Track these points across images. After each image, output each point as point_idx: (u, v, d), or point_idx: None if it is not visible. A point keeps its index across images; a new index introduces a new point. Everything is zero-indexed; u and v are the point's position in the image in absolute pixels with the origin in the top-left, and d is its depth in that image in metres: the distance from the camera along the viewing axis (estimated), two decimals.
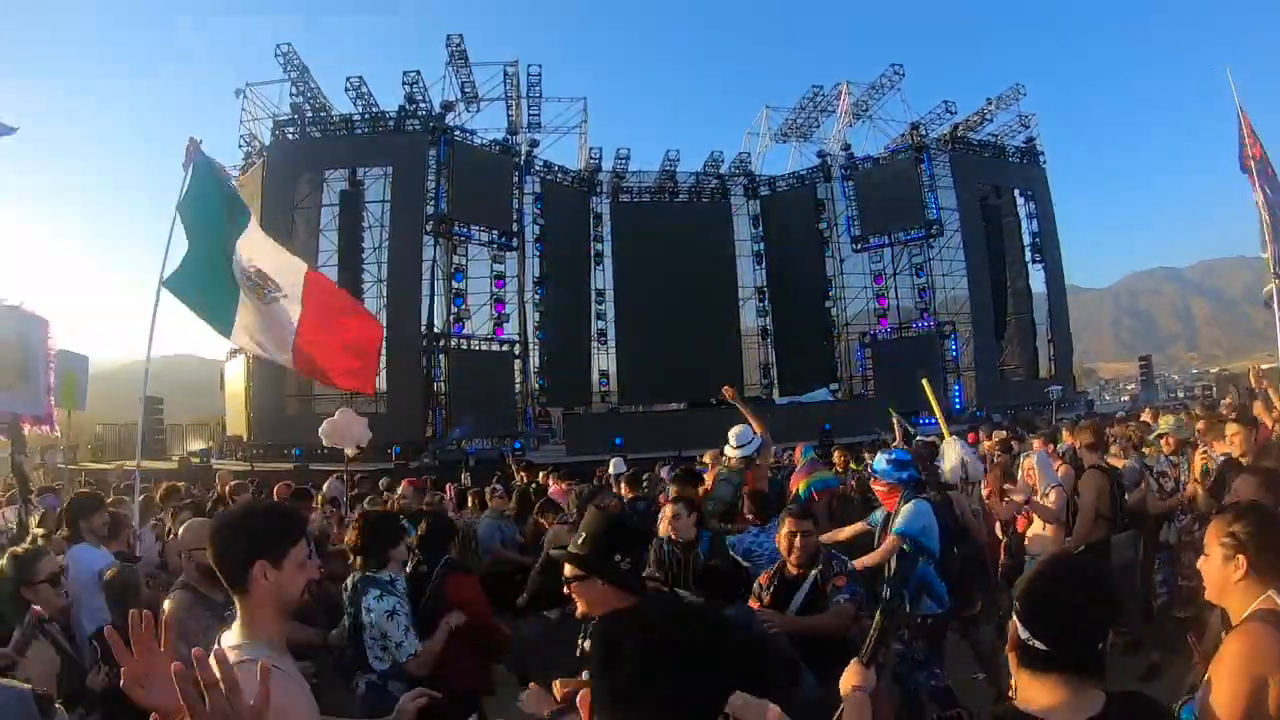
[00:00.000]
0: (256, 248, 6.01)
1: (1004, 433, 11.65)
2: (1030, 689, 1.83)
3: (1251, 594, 2.31)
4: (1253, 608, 2.29)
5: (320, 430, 9.55)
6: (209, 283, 5.77)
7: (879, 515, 5.38)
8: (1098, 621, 1.82)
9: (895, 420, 10.57)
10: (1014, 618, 1.86)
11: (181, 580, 3.69)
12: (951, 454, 6.77)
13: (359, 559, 3.99)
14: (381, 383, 29.00)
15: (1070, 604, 1.81)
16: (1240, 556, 2.32)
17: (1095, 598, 1.84)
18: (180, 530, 4.46)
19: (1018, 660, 1.86)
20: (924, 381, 10.37)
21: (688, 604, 3.46)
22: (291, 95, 29.94)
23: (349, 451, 9.53)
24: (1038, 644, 1.80)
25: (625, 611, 1.49)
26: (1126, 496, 6.28)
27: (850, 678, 2.32)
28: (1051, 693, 1.79)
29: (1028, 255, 36.45)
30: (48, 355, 6.36)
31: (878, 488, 5.36)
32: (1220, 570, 2.39)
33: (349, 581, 4.03)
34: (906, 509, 4.98)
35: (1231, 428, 5.59)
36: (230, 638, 2.09)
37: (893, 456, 5.40)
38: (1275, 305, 7.38)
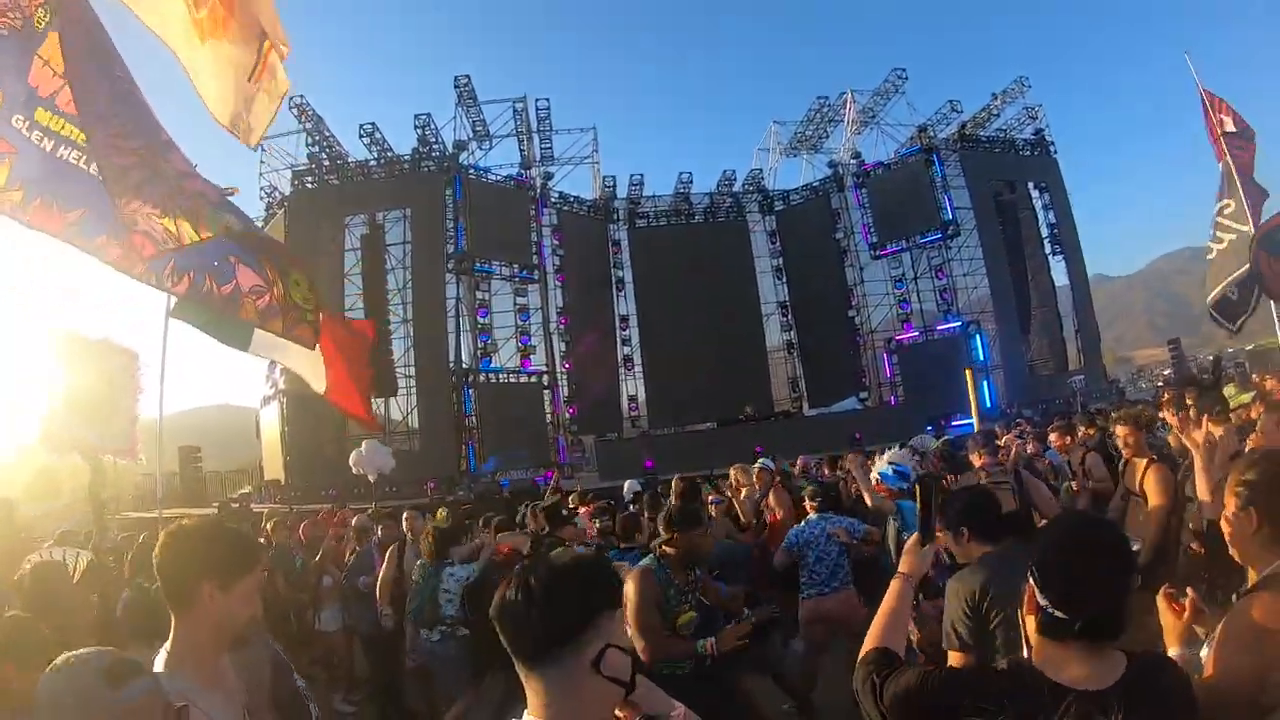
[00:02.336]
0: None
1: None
2: (1049, 654, 1.79)
3: (1272, 552, 2.12)
4: (1270, 569, 2.11)
5: (350, 458, 9.90)
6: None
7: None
8: (1115, 586, 1.77)
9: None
10: (1030, 582, 1.82)
11: None
12: (880, 464, 6.74)
13: None
14: (414, 420, 29.49)
15: (1086, 569, 1.76)
16: (1253, 508, 2.15)
17: (1111, 561, 1.79)
18: None
19: (1037, 625, 1.81)
20: (967, 371, 10.64)
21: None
22: (308, 145, 30.73)
23: (372, 478, 9.86)
24: (1056, 612, 1.75)
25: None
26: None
27: (907, 559, 2.34)
28: (1072, 659, 1.75)
29: (1047, 248, 36.07)
30: (136, 388, 6.48)
31: (880, 490, 5.80)
32: (1236, 523, 2.22)
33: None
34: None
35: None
36: (156, 664, 1.98)
37: (897, 466, 5.78)
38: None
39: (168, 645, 2.01)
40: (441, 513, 11.50)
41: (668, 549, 4.08)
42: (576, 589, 1.49)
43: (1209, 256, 8.29)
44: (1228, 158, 7.86)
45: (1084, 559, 1.78)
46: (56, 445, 5.69)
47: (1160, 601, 2.27)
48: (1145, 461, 5.67)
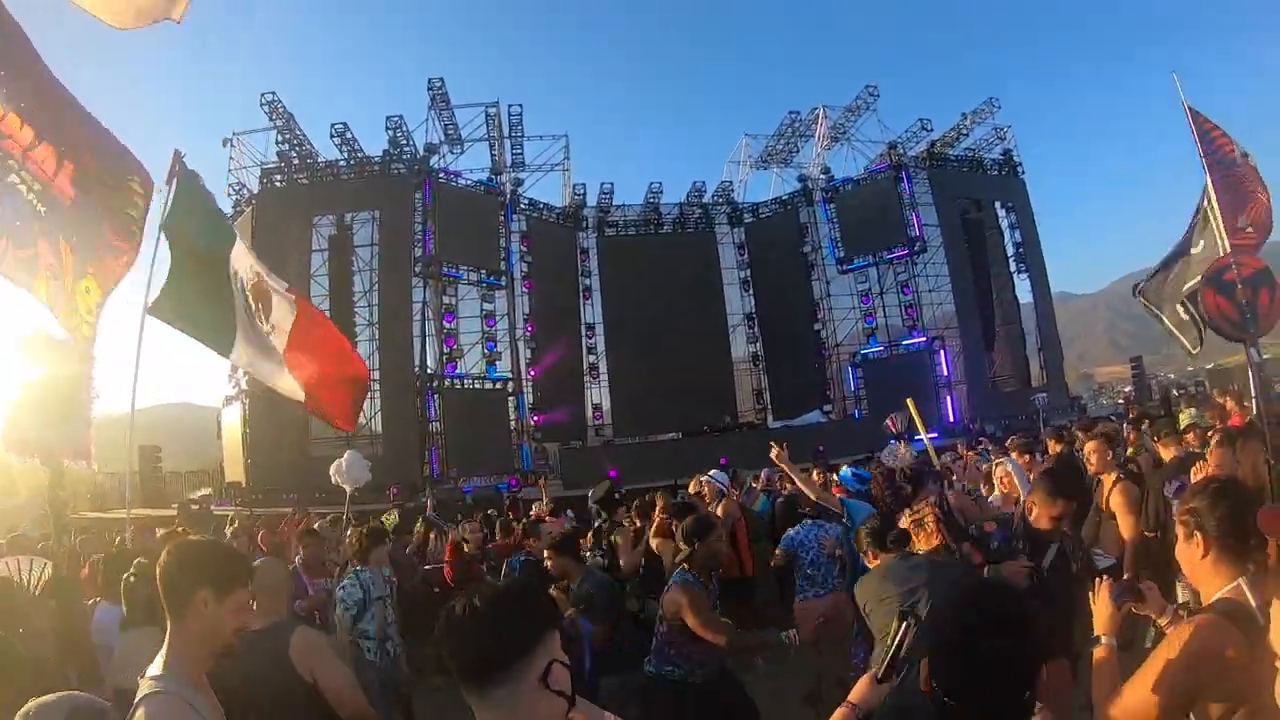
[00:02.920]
0: (248, 269, 5.94)
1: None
2: None
3: (1220, 578, 2.15)
4: (1219, 594, 2.13)
5: (332, 469, 9.86)
6: (201, 301, 5.50)
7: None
8: (1011, 678, 1.61)
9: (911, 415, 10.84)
10: (922, 665, 1.70)
11: None
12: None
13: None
14: (378, 425, 29.23)
15: (978, 663, 1.60)
16: (1199, 534, 2.18)
17: (1011, 648, 1.61)
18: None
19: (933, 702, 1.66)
20: (909, 401, 10.71)
21: None
22: (278, 143, 30.30)
23: (349, 489, 9.82)
24: (947, 700, 1.61)
25: None
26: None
27: (860, 690, 2.21)
28: None
29: (1012, 266, 36.59)
30: (91, 390, 6.43)
31: (837, 491, 6.19)
32: (1184, 549, 2.25)
33: None
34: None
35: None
36: (151, 668, 2.16)
37: (857, 470, 6.26)
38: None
39: (163, 652, 2.17)
40: (390, 517, 11.45)
41: (686, 561, 4.28)
42: (525, 609, 1.58)
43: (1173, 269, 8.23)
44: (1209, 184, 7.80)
45: (978, 648, 1.61)
46: (19, 448, 5.56)
47: (1101, 591, 2.31)
48: (1112, 478, 5.82)
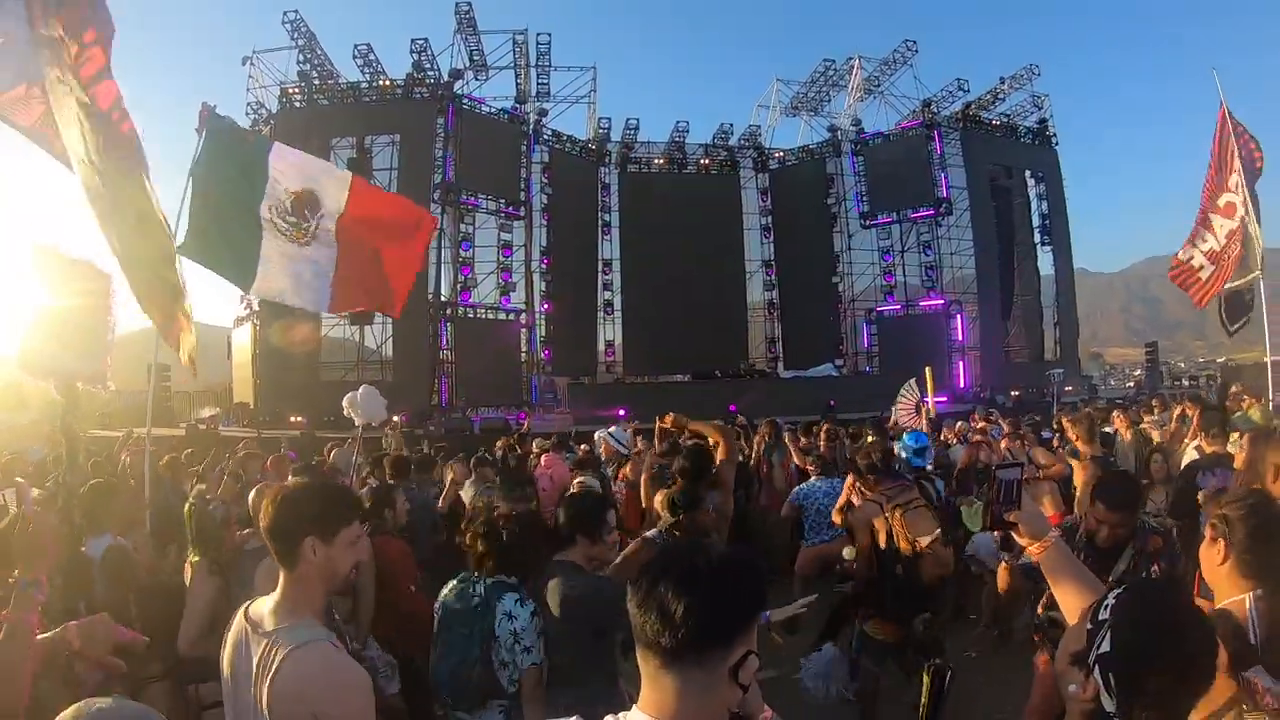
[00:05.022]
0: (291, 171, 5.93)
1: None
2: None
3: (1234, 587, 2.15)
4: (1223, 603, 2.15)
5: (345, 400, 9.60)
6: (226, 238, 5.74)
7: None
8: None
9: (927, 384, 10.87)
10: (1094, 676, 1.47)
11: None
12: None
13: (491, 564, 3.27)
14: (388, 350, 29.16)
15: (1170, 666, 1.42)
16: (1222, 541, 2.18)
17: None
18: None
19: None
20: (927, 369, 10.76)
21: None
22: (299, 63, 29.84)
23: (359, 424, 9.56)
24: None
25: None
26: None
27: None
28: None
29: (1037, 237, 36.23)
30: (110, 313, 6.32)
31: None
32: (1206, 551, 2.26)
33: (467, 589, 3.26)
34: None
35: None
36: (278, 617, 2.11)
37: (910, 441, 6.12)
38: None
39: (276, 597, 2.16)
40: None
41: (675, 532, 4.03)
42: (748, 588, 1.38)
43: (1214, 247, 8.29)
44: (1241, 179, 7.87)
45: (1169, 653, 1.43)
46: (34, 370, 5.43)
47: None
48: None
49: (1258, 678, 1.86)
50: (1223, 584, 2.18)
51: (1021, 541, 2.27)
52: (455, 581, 3.36)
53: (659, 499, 4.43)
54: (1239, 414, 7.87)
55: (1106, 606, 1.48)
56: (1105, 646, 1.38)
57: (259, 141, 6.01)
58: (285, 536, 2.15)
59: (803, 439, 9.92)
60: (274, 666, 2.00)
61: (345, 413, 9.45)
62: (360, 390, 9.48)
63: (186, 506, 5.10)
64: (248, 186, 5.81)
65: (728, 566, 1.36)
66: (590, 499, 3.71)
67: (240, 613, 2.23)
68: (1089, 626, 1.48)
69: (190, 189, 5.53)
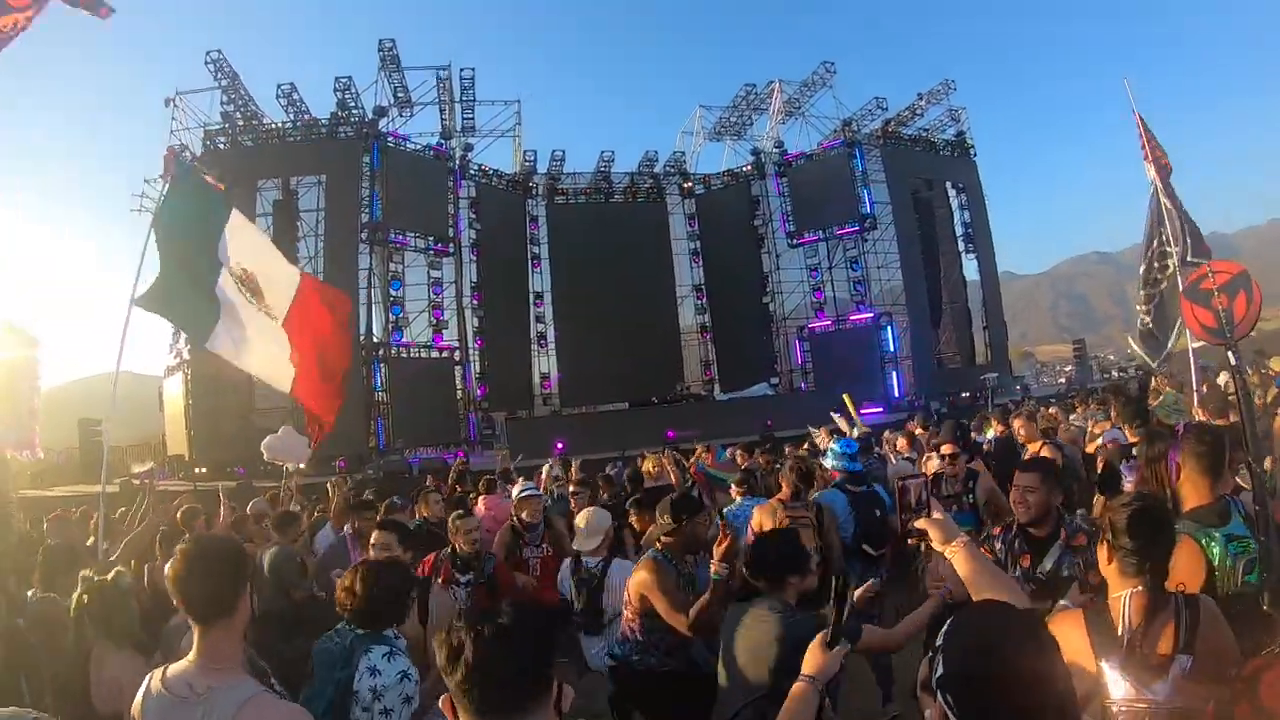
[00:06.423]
0: (248, 250, 5.79)
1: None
2: None
3: (1118, 585, 2.28)
4: (1106, 598, 2.31)
5: (263, 445, 9.37)
6: (185, 291, 5.52)
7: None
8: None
9: (848, 409, 10.96)
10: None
11: None
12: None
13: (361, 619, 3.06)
14: None
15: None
16: (1107, 543, 2.30)
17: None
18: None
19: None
20: (845, 397, 10.99)
21: None
22: (223, 104, 29.30)
23: (289, 467, 9.34)
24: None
25: None
26: None
27: (813, 660, 2.15)
28: None
29: (961, 245, 37.38)
30: (35, 378, 6.08)
31: (834, 476, 6.05)
32: (1099, 552, 2.37)
33: (333, 644, 3.03)
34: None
35: None
36: (213, 675, 2.07)
37: (840, 448, 6.00)
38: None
39: (197, 658, 2.10)
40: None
41: (668, 539, 4.04)
42: (547, 633, 1.48)
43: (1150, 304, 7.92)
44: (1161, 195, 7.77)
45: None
46: None
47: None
48: (1038, 445, 6.18)
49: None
50: (1113, 581, 2.31)
51: (935, 546, 2.32)
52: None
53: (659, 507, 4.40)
54: (1160, 401, 7.96)
55: (944, 632, 1.47)
56: (939, 669, 1.38)
57: (222, 198, 5.77)
58: (230, 590, 2.17)
59: (741, 458, 10.15)
60: None
61: (265, 457, 9.27)
62: (280, 430, 9.29)
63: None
64: (210, 240, 5.67)
65: (529, 618, 1.43)
66: (795, 539, 3.35)
67: (155, 677, 2.14)
68: (930, 653, 1.48)
69: (152, 236, 5.32)
